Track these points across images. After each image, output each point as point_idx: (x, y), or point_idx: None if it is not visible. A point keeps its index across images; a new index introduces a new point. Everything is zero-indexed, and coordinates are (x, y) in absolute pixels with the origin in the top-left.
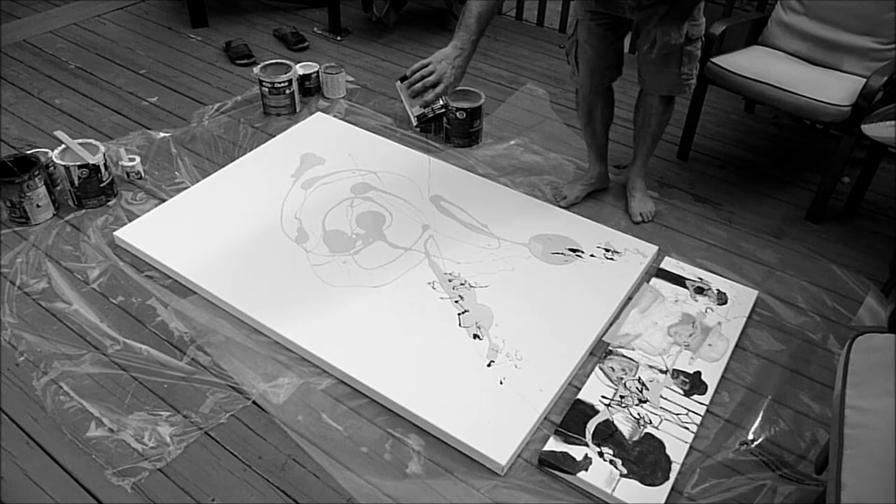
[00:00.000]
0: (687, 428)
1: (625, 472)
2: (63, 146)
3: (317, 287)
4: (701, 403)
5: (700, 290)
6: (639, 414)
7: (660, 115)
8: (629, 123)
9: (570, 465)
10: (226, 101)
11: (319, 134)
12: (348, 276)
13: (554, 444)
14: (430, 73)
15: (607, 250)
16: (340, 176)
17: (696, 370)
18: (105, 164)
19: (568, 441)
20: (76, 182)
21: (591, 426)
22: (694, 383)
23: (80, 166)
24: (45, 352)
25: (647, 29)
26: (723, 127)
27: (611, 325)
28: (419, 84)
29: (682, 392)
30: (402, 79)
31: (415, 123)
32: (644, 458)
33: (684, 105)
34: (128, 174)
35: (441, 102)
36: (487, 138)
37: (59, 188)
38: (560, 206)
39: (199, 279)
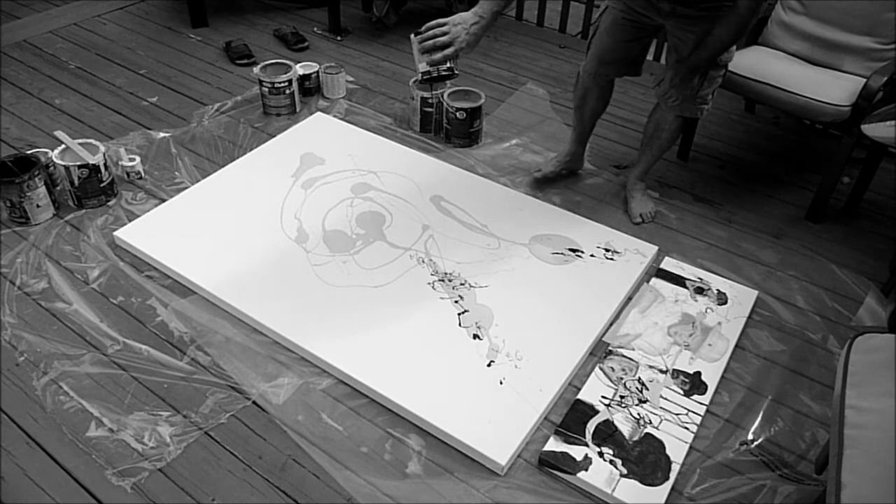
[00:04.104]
0: (687, 428)
1: (625, 472)
2: (63, 146)
3: (317, 287)
4: (701, 403)
5: (700, 290)
6: (639, 414)
7: (671, 131)
8: (630, 124)
9: (570, 465)
10: (226, 101)
11: (319, 134)
12: (348, 276)
13: (554, 444)
14: (444, 34)
15: (607, 250)
16: (340, 176)
17: (695, 370)
18: (105, 164)
19: (568, 441)
20: (76, 182)
21: (591, 426)
22: (694, 383)
23: (80, 166)
24: (45, 352)
25: (674, 41)
26: (723, 127)
27: (611, 325)
28: (430, 42)
29: (682, 392)
30: (417, 33)
31: (419, 80)
32: (644, 458)
33: None
34: (128, 174)
35: (448, 64)
36: (487, 138)
37: (59, 188)
38: (535, 178)
39: (199, 279)
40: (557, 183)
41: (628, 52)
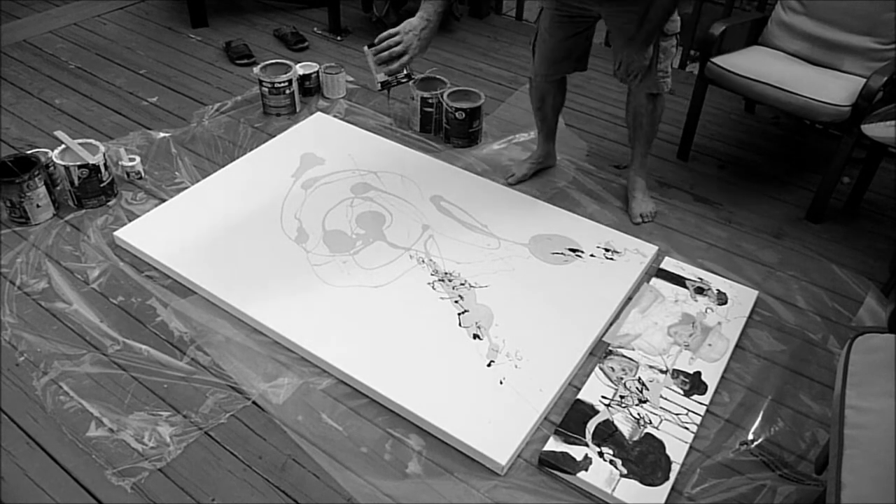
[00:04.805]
0: (687, 428)
1: (625, 472)
2: (63, 146)
3: (317, 287)
4: (701, 403)
5: (700, 290)
6: (639, 414)
7: (650, 114)
8: (624, 121)
9: (570, 465)
10: (226, 101)
11: (319, 134)
12: (348, 276)
13: (554, 444)
14: (397, 44)
15: (607, 250)
16: (340, 176)
17: (695, 370)
18: (105, 164)
19: (568, 441)
20: (76, 182)
21: (591, 426)
22: (694, 383)
23: (80, 166)
24: (45, 352)
25: (616, 25)
26: (723, 127)
27: (611, 325)
28: (385, 53)
29: (682, 392)
30: (370, 45)
31: (378, 89)
32: (644, 458)
33: (684, 105)
34: (128, 174)
35: (405, 71)
36: (487, 138)
37: (59, 188)
38: (509, 184)
39: (199, 279)
40: (557, 183)
41: (573, 49)
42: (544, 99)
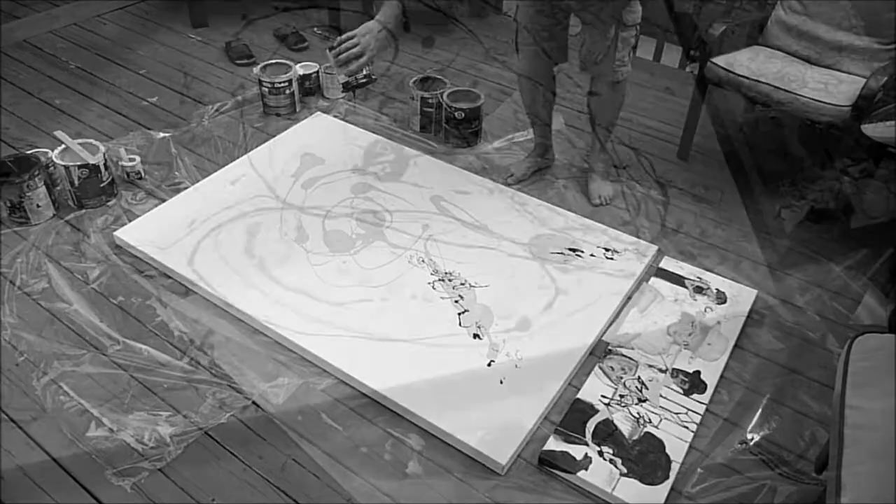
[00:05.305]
0: (686, 427)
1: (624, 471)
2: (63, 146)
3: (317, 287)
4: (700, 402)
5: (699, 290)
6: (638, 413)
7: (612, 101)
8: (629, 123)
9: (569, 464)
10: (226, 101)
11: (319, 134)
12: (348, 276)
13: (554, 444)
14: (355, 45)
15: (607, 250)
16: (340, 176)
17: (695, 369)
18: (105, 164)
19: (568, 440)
20: (76, 182)
21: (590, 425)
22: (693, 382)
23: (80, 166)
24: (45, 352)
25: (584, 16)
26: (723, 127)
27: (610, 324)
28: (343, 55)
29: (681, 391)
30: (331, 48)
31: (341, 91)
32: (644, 458)
33: (684, 105)
34: (128, 174)
35: (365, 72)
36: (487, 138)
37: (59, 188)
38: (509, 184)
39: (199, 279)
40: (556, 182)
41: (555, 42)
42: (535, 97)
